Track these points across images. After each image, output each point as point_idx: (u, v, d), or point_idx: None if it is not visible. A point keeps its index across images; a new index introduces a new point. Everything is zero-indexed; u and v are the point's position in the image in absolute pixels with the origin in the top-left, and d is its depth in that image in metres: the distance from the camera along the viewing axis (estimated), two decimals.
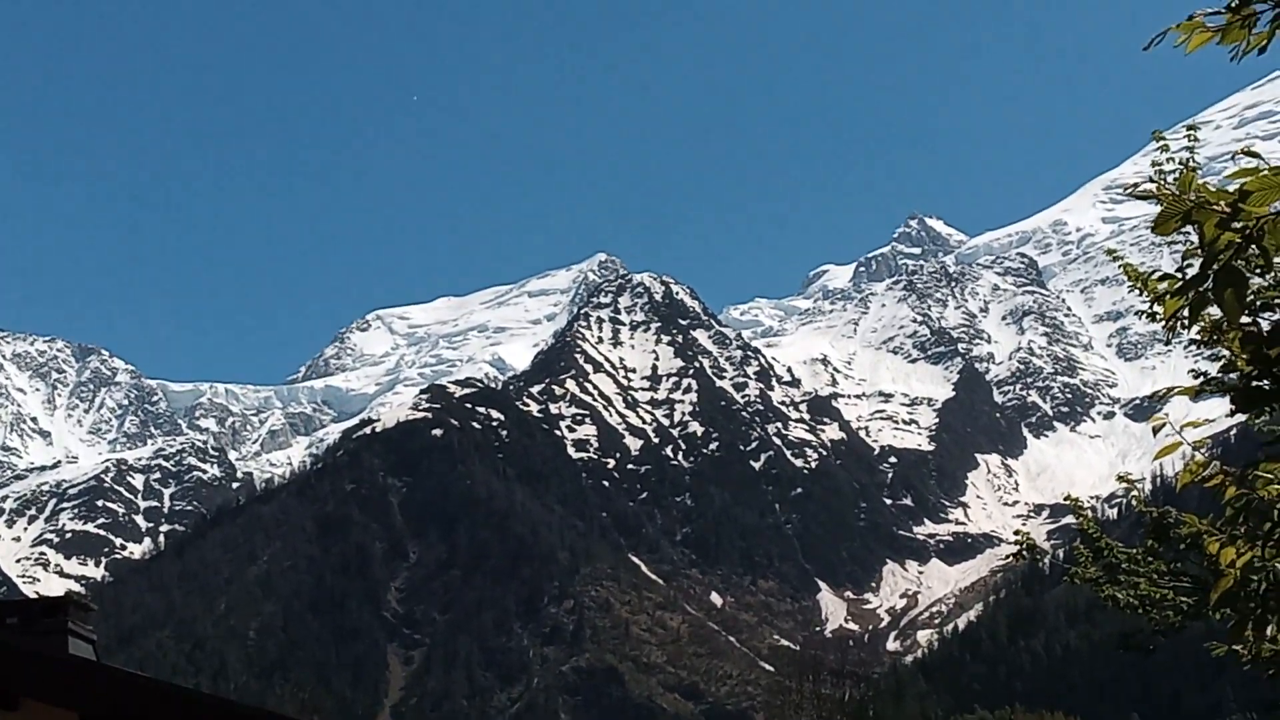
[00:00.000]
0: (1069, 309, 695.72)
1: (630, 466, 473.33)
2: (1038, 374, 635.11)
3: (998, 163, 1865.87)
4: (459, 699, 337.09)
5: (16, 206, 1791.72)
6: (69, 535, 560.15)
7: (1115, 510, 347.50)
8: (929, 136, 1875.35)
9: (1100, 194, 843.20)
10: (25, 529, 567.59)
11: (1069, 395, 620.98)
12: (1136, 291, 14.60)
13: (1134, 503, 20.89)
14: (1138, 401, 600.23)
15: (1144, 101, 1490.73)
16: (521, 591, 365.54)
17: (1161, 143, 15.29)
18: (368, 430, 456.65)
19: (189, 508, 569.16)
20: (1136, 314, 16.20)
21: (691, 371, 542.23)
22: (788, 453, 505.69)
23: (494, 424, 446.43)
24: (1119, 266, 16.10)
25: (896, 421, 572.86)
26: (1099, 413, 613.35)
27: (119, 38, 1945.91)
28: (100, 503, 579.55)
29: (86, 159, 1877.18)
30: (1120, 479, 23.05)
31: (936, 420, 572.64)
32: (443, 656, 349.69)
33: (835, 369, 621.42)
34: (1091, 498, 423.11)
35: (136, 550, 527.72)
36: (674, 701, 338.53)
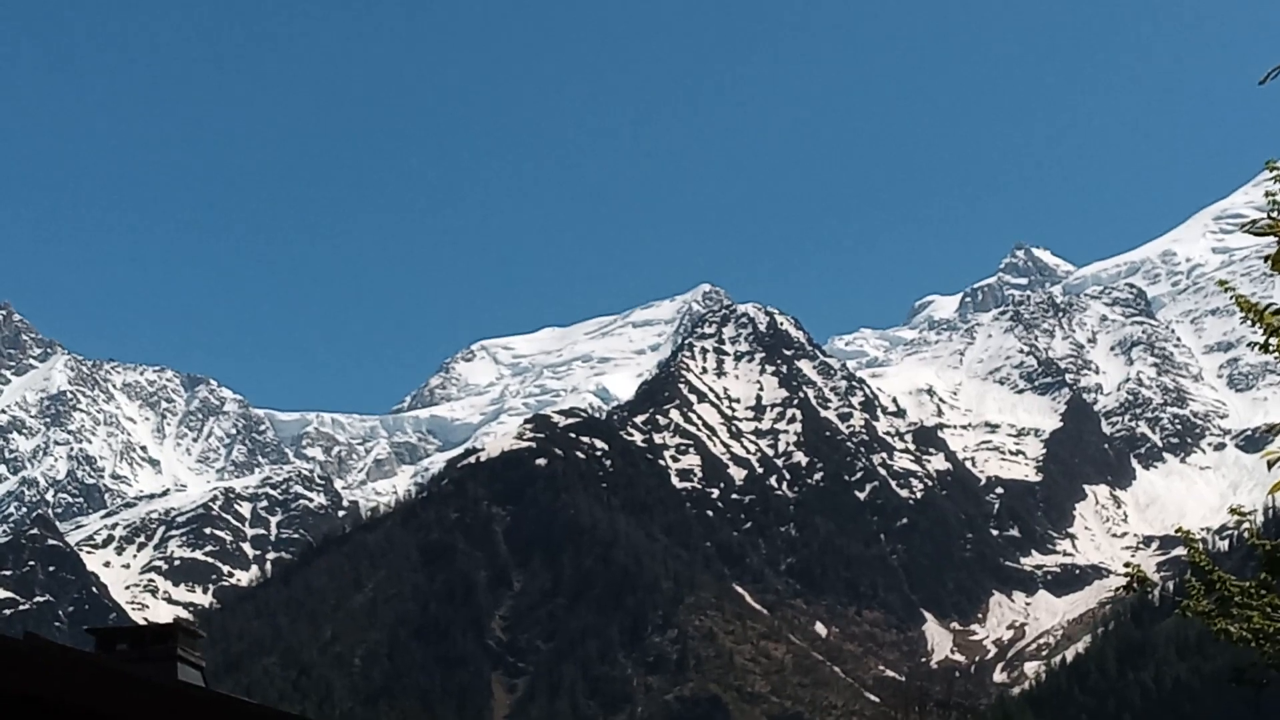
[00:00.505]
0: (1179, 339, 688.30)
1: (734, 496, 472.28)
2: (1147, 405, 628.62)
3: (1106, 193, 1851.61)
4: None
5: (126, 240, 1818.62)
6: (177, 562, 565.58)
7: (1226, 542, 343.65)
8: (1036, 166, 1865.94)
9: (1210, 224, 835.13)
10: (134, 556, 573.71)
11: (1179, 426, 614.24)
12: (1249, 323, 14.41)
13: (1246, 535, 20.61)
14: (1249, 433, 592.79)
15: (1255, 130, 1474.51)
16: (625, 621, 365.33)
17: (1276, 172, 15.05)
18: (472, 459, 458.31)
19: (295, 536, 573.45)
20: (1248, 345, 15.99)
21: (796, 402, 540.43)
22: (893, 483, 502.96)
23: (598, 454, 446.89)
24: (1231, 298, 15.90)
25: (1003, 452, 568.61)
26: (1210, 444, 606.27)
27: (222, 67, 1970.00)
28: (208, 530, 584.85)
29: (194, 192, 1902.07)
30: (1233, 511, 22.81)
31: (1044, 451, 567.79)
32: (547, 685, 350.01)
33: (941, 399, 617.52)
34: (1202, 529, 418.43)
35: (244, 577, 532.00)
36: None
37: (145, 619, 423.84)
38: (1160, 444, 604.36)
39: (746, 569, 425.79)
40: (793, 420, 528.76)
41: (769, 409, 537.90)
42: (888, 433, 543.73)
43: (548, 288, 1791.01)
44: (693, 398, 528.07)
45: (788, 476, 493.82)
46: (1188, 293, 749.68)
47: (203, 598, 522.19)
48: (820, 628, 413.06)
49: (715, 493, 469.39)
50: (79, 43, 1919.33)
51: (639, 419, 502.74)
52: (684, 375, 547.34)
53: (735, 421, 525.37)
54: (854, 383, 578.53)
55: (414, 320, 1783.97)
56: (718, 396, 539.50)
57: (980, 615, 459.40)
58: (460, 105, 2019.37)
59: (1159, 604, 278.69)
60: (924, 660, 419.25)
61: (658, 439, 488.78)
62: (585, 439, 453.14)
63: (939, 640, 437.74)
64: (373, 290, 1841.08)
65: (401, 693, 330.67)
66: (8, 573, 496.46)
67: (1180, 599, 21.40)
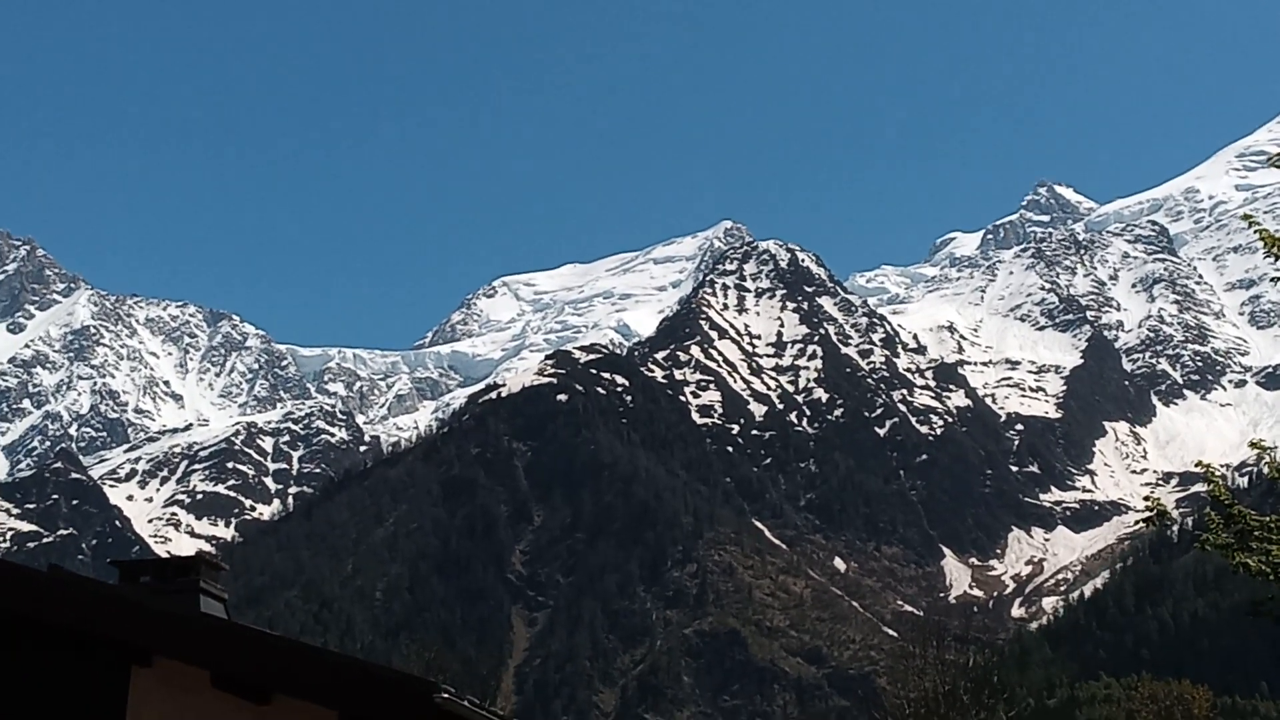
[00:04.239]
0: (1200, 277, 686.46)
1: (754, 432, 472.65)
2: (1168, 342, 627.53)
3: (1129, 129, 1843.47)
4: (582, 660, 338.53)
5: (152, 176, 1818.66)
6: (200, 496, 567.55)
7: (1246, 479, 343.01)
8: (1059, 103, 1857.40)
9: (1234, 161, 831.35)
10: (157, 490, 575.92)
11: (1200, 363, 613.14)
12: (1271, 258, 14.43)
13: (1266, 470, 20.64)
14: (1270, 370, 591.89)
15: (1278, 68, 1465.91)
16: (645, 555, 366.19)
17: None
18: (493, 395, 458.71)
19: (317, 470, 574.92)
20: (1271, 280, 16.01)
21: (816, 338, 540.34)
22: (913, 419, 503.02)
23: (619, 389, 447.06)
24: (1254, 231, 15.91)
25: (1023, 389, 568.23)
26: (1230, 381, 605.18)
27: (246, 9, 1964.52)
28: (230, 465, 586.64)
29: (219, 129, 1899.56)
30: (1253, 445, 22.80)
31: (1064, 388, 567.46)
32: (566, 619, 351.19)
33: (962, 336, 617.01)
34: (1222, 466, 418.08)
35: (266, 511, 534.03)
36: (796, 665, 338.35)
37: (168, 552, 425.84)
38: (1181, 381, 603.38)
39: (766, 504, 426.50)
40: (813, 357, 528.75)
41: (790, 345, 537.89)
42: (908, 369, 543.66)
43: (569, 224, 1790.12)
44: (714, 334, 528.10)
45: (808, 413, 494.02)
46: (1210, 230, 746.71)
47: (225, 531, 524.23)
48: (839, 563, 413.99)
49: (735, 429, 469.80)
50: None
51: (660, 355, 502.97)
52: (705, 311, 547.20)
53: (756, 358, 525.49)
54: (875, 319, 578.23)
55: (436, 256, 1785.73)
56: (738, 333, 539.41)
57: (999, 551, 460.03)
58: (483, 40, 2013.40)
59: (1177, 540, 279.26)
60: (942, 595, 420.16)
61: (678, 375, 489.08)
62: (606, 375, 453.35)
63: (957, 576, 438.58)
64: (395, 227, 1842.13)
65: (422, 626, 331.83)
66: (31, 506, 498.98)
67: (1199, 533, 21.47)
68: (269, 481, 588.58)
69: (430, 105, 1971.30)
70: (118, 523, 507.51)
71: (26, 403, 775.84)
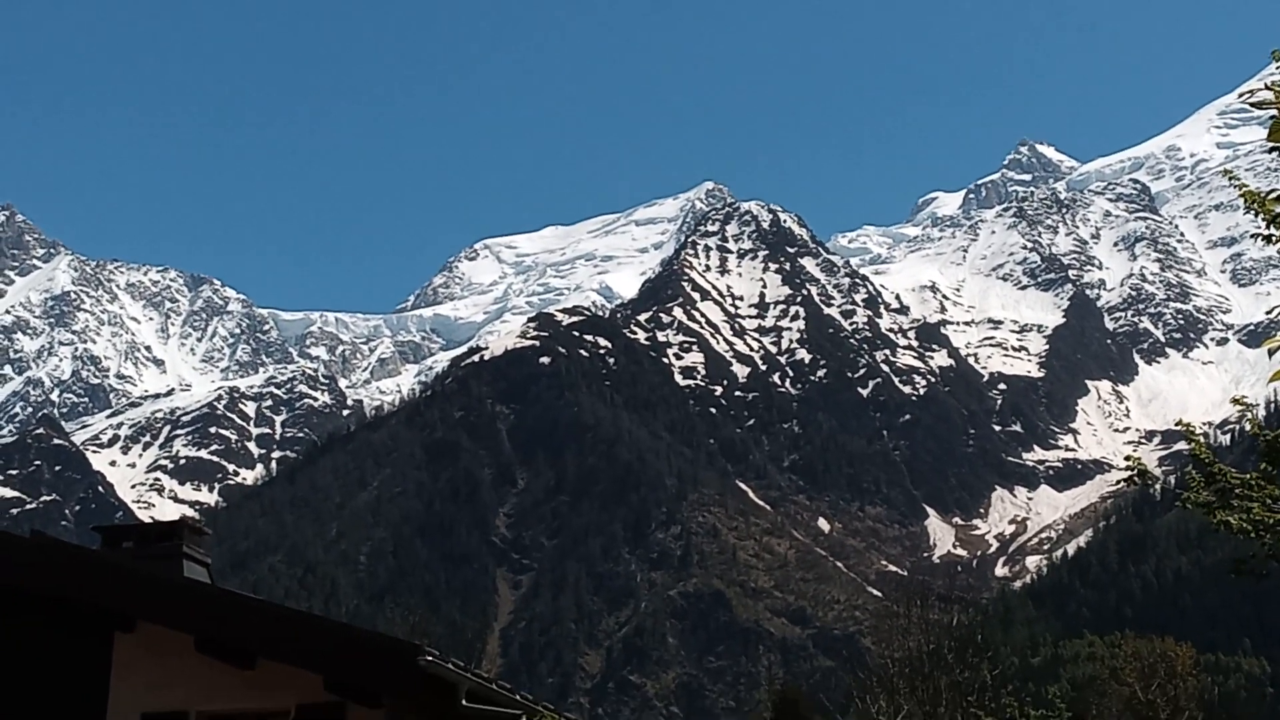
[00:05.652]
0: (1182, 235, 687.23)
1: (738, 394, 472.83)
2: (1150, 300, 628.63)
3: (1110, 88, 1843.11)
4: (567, 623, 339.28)
5: (130, 140, 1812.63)
6: (183, 461, 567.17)
7: (1228, 437, 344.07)
8: (1040, 62, 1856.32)
9: (1215, 119, 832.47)
10: (140, 455, 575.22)
11: (1182, 321, 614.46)
12: (1252, 214, 14.40)
13: (1248, 426, 20.63)
14: (1252, 327, 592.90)
15: (1259, 25, 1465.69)
16: (629, 517, 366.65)
17: None
18: (476, 358, 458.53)
19: (300, 434, 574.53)
20: (1251, 237, 15.99)
21: (799, 299, 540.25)
22: (896, 379, 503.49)
23: (601, 352, 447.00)
24: (1236, 188, 15.86)
25: (1006, 348, 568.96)
26: (1212, 339, 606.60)
27: None
28: (213, 429, 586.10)
29: (199, 95, 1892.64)
30: (1235, 402, 22.83)
31: (1046, 347, 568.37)
32: (551, 581, 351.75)
33: (944, 296, 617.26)
34: (1204, 424, 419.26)
35: (249, 476, 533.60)
36: (781, 626, 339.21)
37: (151, 518, 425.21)
38: (1163, 339, 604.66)
39: (749, 466, 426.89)
40: (796, 317, 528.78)
41: (772, 306, 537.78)
42: (891, 329, 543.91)
43: (551, 186, 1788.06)
44: (696, 295, 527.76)
45: (791, 374, 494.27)
46: (1191, 188, 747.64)
47: (208, 496, 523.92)
48: (823, 523, 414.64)
49: (718, 390, 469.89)
50: None
51: (642, 317, 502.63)
52: (687, 273, 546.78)
53: (738, 319, 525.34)
54: (857, 280, 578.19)
55: (417, 219, 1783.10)
56: (721, 294, 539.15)
57: (982, 510, 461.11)
58: (463, 4, 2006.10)
59: (1160, 498, 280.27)
60: (926, 555, 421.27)
61: (661, 337, 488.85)
62: (589, 337, 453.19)
63: (941, 535, 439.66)
64: (376, 190, 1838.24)
65: (406, 590, 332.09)
66: (14, 472, 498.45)
67: (1181, 492, 21.49)
68: (252, 446, 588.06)
69: (411, 68, 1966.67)
70: (100, 488, 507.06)
71: (8, 369, 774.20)
